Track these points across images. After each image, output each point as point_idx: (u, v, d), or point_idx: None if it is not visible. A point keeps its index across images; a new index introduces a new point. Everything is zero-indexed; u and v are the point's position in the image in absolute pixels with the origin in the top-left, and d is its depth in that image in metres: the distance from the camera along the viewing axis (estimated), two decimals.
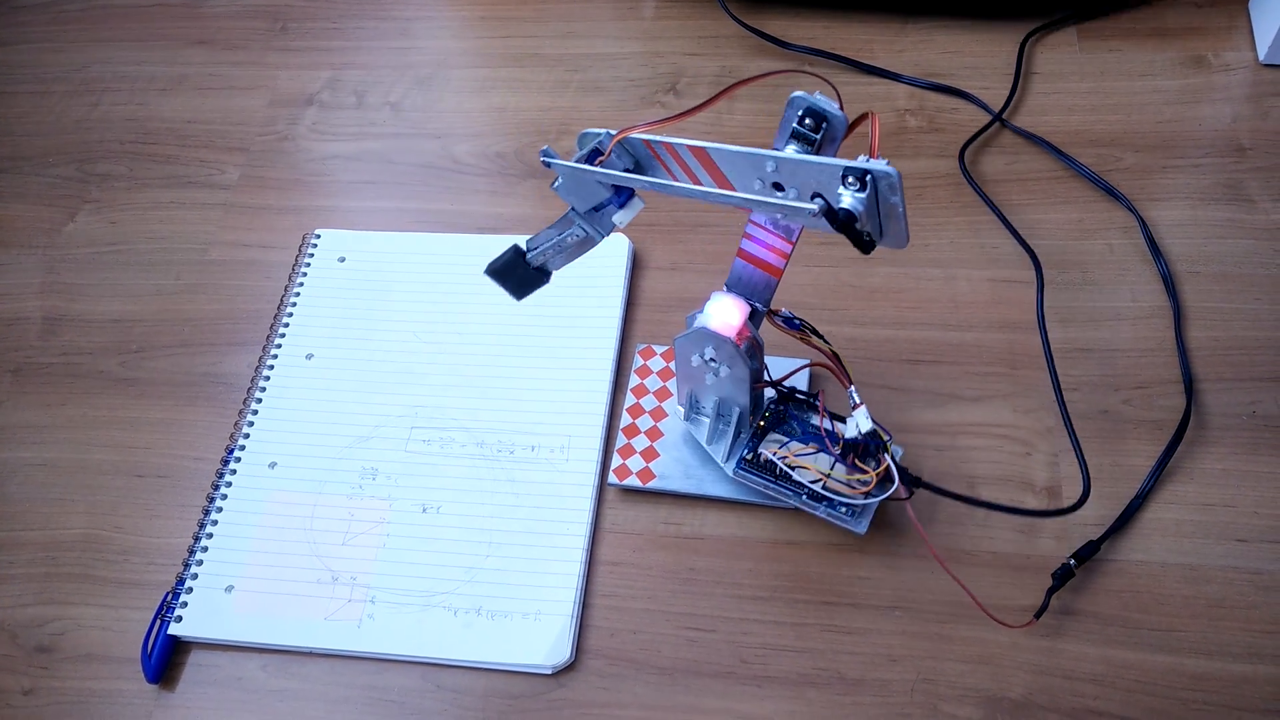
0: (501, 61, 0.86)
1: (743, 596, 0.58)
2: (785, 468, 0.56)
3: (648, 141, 0.46)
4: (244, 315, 0.72)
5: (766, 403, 0.59)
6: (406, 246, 0.74)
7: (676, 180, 0.47)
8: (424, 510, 0.62)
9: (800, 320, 0.55)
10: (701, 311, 0.54)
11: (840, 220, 0.40)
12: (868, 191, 0.41)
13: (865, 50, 0.82)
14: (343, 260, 0.74)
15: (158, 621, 0.59)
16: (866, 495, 0.54)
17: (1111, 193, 0.71)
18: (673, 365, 0.65)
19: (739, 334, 0.53)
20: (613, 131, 0.46)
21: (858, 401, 0.53)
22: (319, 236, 0.75)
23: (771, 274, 0.53)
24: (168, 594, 0.60)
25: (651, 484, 0.61)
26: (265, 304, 0.73)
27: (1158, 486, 0.59)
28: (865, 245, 0.42)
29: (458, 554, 0.60)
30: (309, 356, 0.69)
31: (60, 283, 0.76)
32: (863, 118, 0.44)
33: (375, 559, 0.60)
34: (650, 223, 0.73)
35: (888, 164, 0.40)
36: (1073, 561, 0.55)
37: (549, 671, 0.56)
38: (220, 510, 0.63)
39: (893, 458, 0.53)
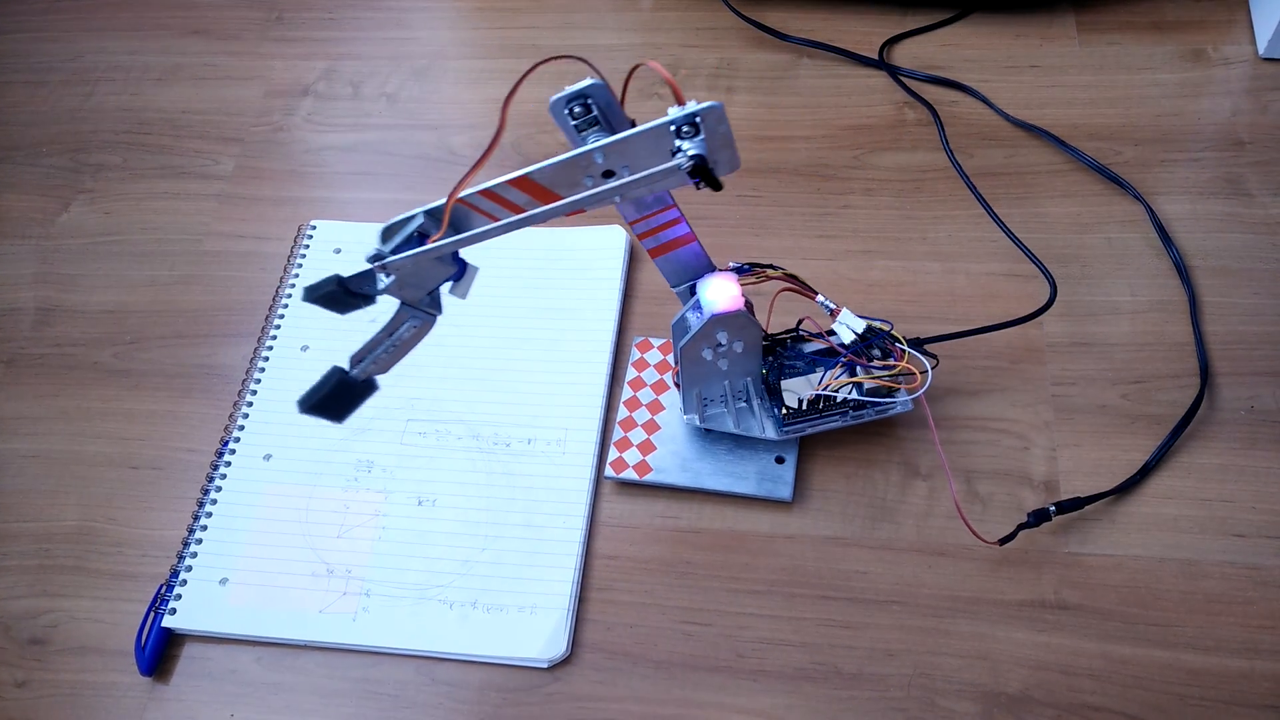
0: (499, 52, 0.86)
1: (739, 590, 0.57)
2: (827, 395, 0.56)
3: (463, 200, 0.44)
4: (239, 306, 0.72)
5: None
6: None
7: (503, 218, 0.45)
8: (420, 503, 0.61)
9: (749, 264, 0.55)
10: (694, 309, 0.54)
11: (699, 166, 0.41)
12: (702, 133, 0.41)
13: (864, 42, 0.82)
14: (339, 251, 0.73)
15: (151, 614, 0.58)
16: (909, 386, 0.55)
17: (1119, 183, 0.71)
18: (670, 358, 0.65)
19: (742, 301, 0.53)
20: (430, 206, 0.44)
21: (834, 307, 0.54)
22: (314, 228, 0.75)
23: (690, 243, 0.52)
24: (162, 586, 0.60)
25: (648, 477, 0.60)
26: (260, 295, 0.72)
27: (1158, 479, 0.59)
28: (717, 184, 0.42)
29: (453, 547, 0.60)
30: (304, 348, 0.69)
31: (54, 273, 0.76)
32: (634, 70, 0.44)
33: (370, 552, 0.60)
34: None
35: (702, 102, 0.41)
36: (1053, 509, 0.56)
37: (545, 665, 0.56)
38: (215, 502, 0.62)
39: (903, 340, 0.54)
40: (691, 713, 0.54)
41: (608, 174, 0.44)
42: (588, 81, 0.43)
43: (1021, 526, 0.55)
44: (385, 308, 0.47)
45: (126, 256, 0.76)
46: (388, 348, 0.47)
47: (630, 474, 0.61)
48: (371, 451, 0.64)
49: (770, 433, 0.58)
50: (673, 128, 0.41)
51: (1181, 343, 0.64)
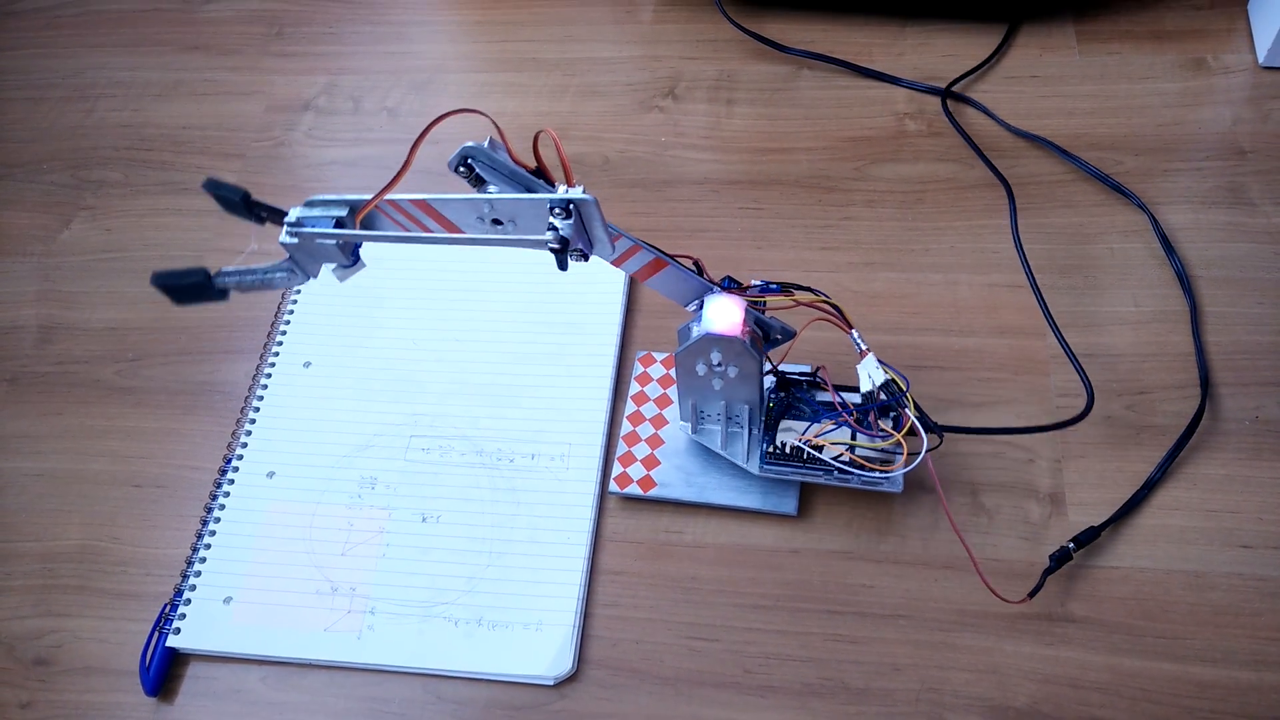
0: (499, 66, 0.86)
1: (745, 605, 0.57)
2: (811, 449, 0.56)
3: (377, 206, 0.48)
4: (241, 323, 0.72)
5: (768, 393, 0.59)
6: (404, 253, 0.73)
7: (410, 231, 0.49)
8: (424, 520, 0.61)
9: (777, 284, 0.54)
10: (697, 321, 0.53)
11: (560, 247, 0.45)
12: (574, 218, 0.45)
13: (864, 54, 0.82)
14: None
15: (156, 633, 0.58)
16: (900, 464, 0.54)
17: (1122, 192, 0.71)
18: (673, 373, 0.65)
19: (742, 329, 0.52)
20: (352, 198, 0.47)
21: (864, 348, 0.53)
22: None
23: (661, 267, 0.52)
24: (166, 605, 0.59)
25: (653, 492, 0.60)
26: (262, 312, 0.72)
27: (1164, 491, 0.58)
28: (564, 265, 0.46)
29: (458, 564, 0.59)
30: (307, 365, 0.69)
31: (55, 291, 0.76)
32: (537, 136, 0.47)
33: (375, 569, 0.60)
34: (649, 229, 0.72)
35: (583, 190, 0.45)
36: (1072, 545, 0.55)
37: (551, 682, 0.55)
38: (218, 520, 0.62)
39: (915, 406, 0.52)
40: None
41: (496, 222, 0.47)
42: (469, 143, 0.46)
43: (1047, 572, 0.54)
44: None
45: (128, 273, 0.76)
46: (256, 281, 0.49)
47: (634, 489, 0.60)
48: (375, 468, 0.63)
49: (752, 465, 0.58)
50: (549, 205, 0.45)
51: (1185, 353, 0.63)
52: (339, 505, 0.62)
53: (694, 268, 0.53)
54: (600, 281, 0.70)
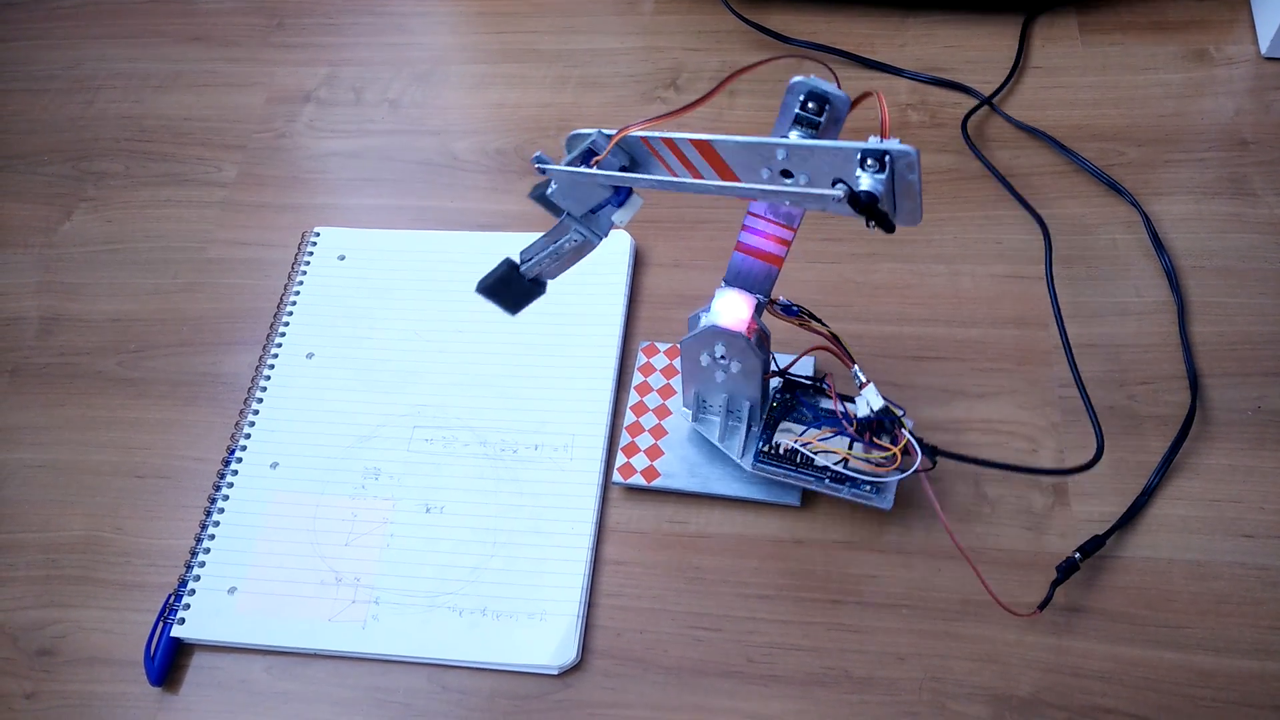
0: (500, 57, 0.86)
1: (749, 595, 0.57)
2: (807, 453, 0.56)
3: (645, 139, 0.45)
4: (243, 314, 0.72)
5: (773, 393, 0.59)
6: (406, 244, 0.73)
7: (676, 176, 0.46)
8: (427, 510, 0.61)
9: (798, 307, 0.55)
10: (707, 310, 0.53)
11: (863, 203, 0.40)
12: (886, 172, 0.40)
13: (866, 45, 0.82)
14: (342, 258, 0.73)
15: (160, 624, 0.58)
16: (893, 469, 0.54)
17: (1114, 187, 0.71)
18: (676, 363, 0.65)
19: (748, 327, 0.52)
20: (607, 130, 0.45)
21: (864, 380, 0.53)
22: (318, 234, 0.75)
23: (772, 264, 0.53)
24: (170, 596, 0.59)
25: (656, 482, 0.60)
26: (265, 303, 0.72)
27: (1164, 483, 0.59)
28: (889, 225, 0.41)
29: (462, 554, 0.60)
30: (310, 356, 0.68)
31: (57, 282, 0.76)
32: (864, 96, 0.44)
33: (379, 560, 0.60)
34: (652, 219, 0.72)
35: (902, 143, 0.40)
36: (1078, 555, 0.55)
37: (555, 672, 0.56)
38: (222, 511, 0.62)
39: (910, 430, 0.53)
40: (702, 718, 0.54)
41: (785, 174, 0.43)
42: (835, 87, 0.43)
43: (1055, 584, 0.54)
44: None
45: (130, 265, 0.76)
46: (551, 254, 0.48)
47: (638, 479, 0.60)
48: (378, 459, 0.63)
49: (746, 461, 0.58)
50: (859, 155, 0.40)
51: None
52: (343, 496, 0.62)
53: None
54: (603, 272, 0.70)
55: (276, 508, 0.62)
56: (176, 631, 0.58)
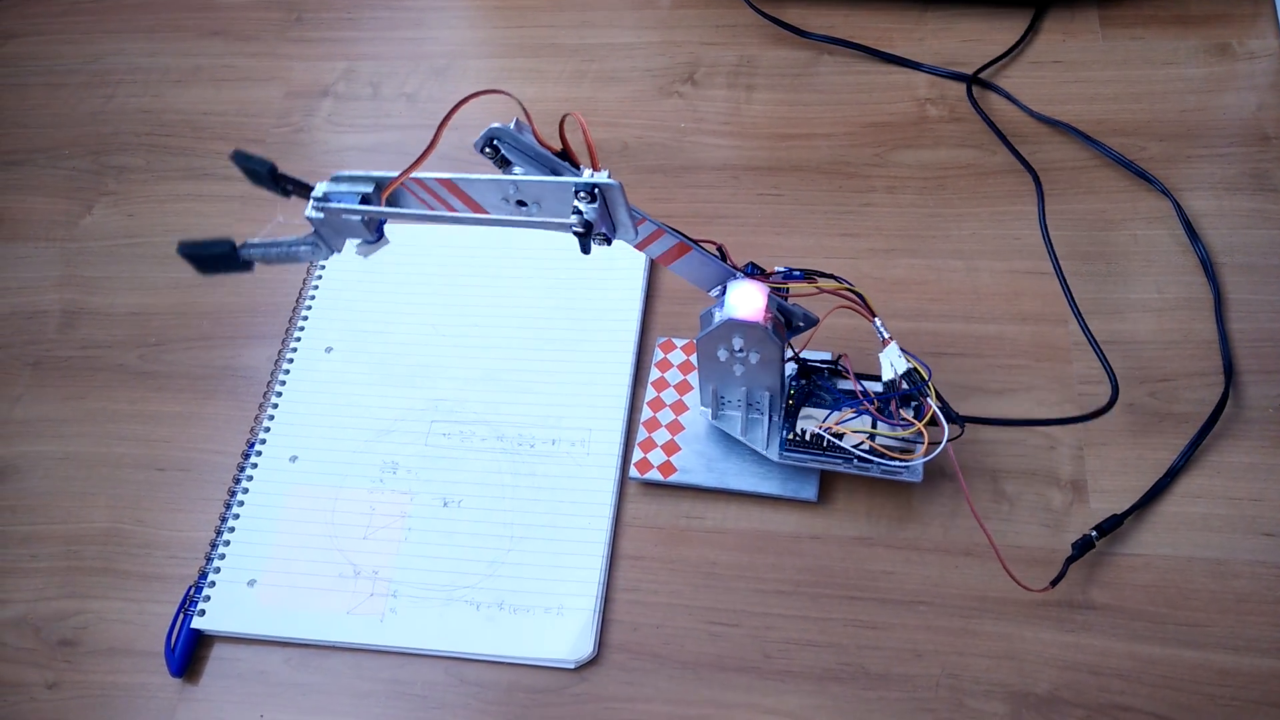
0: (517, 51, 0.86)
1: (765, 591, 0.57)
2: (831, 437, 0.55)
3: (404, 184, 0.48)
4: (262, 308, 0.72)
5: (789, 381, 0.59)
6: (424, 239, 0.74)
7: (435, 210, 0.49)
8: (445, 504, 0.62)
9: (800, 270, 0.54)
10: (719, 307, 0.53)
11: (582, 232, 0.45)
12: (598, 202, 0.45)
13: (884, 38, 0.81)
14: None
15: (181, 615, 0.59)
16: (922, 451, 0.54)
17: (1146, 178, 0.70)
18: (693, 358, 0.65)
19: (764, 315, 0.52)
20: (378, 174, 0.47)
21: (886, 336, 0.52)
22: None
23: (686, 252, 0.52)
24: (190, 588, 0.60)
25: (673, 478, 0.60)
26: (283, 297, 0.72)
27: (1184, 479, 0.58)
28: (587, 248, 0.47)
29: (479, 548, 0.60)
30: (328, 350, 0.69)
31: (78, 276, 0.76)
32: (564, 119, 0.46)
33: (397, 553, 0.60)
34: (668, 215, 0.72)
35: (608, 175, 0.45)
36: (1095, 534, 0.55)
37: (572, 666, 0.56)
38: (241, 504, 0.63)
39: (937, 395, 0.52)
40: (719, 713, 0.54)
41: (521, 203, 0.47)
42: (496, 124, 0.46)
43: (1069, 560, 0.54)
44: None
45: (149, 259, 0.76)
46: (281, 253, 0.49)
47: (655, 474, 0.61)
48: (396, 453, 0.64)
49: (772, 452, 0.58)
50: (574, 189, 0.45)
51: (1209, 340, 0.63)
52: (361, 489, 0.63)
53: (717, 254, 0.53)
54: (621, 268, 0.70)
55: (295, 501, 0.62)
56: (197, 623, 0.58)
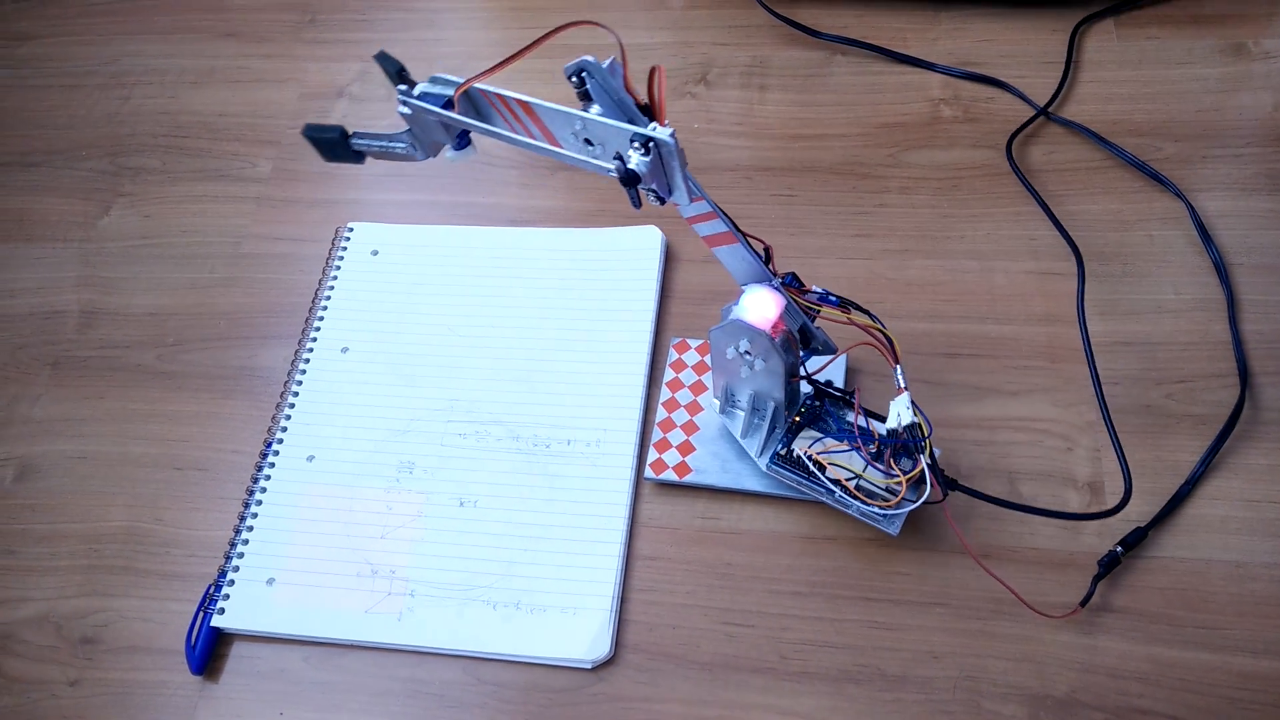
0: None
1: (781, 592, 0.58)
2: (814, 466, 0.55)
3: (484, 92, 0.48)
4: (278, 309, 0.73)
5: (803, 398, 0.59)
6: (439, 240, 0.74)
7: (515, 132, 0.49)
8: (461, 504, 0.62)
9: (837, 296, 0.53)
10: (737, 304, 0.53)
11: (625, 180, 0.45)
12: (651, 155, 0.44)
13: (898, 39, 0.81)
14: (376, 253, 0.74)
15: (201, 613, 0.59)
16: (898, 503, 0.53)
17: (1160, 180, 0.70)
18: (708, 359, 0.65)
19: (774, 327, 0.52)
20: (467, 81, 0.48)
21: (903, 385, 0.52)
22: (352, 230, 0.75)
23: (730, 241, 0.52)
24: (210, 586, 0.60)
25: (688, 478, 0.61)
26: (299, 297, 0.73)
27: (1204, 481, 0.58)
28: (637, 202, 0.47)
29: (495, 548, 0.60)
30: (344, 350, 0.69)
31: (96, 276, 0.77)
32: (653, 70, 0.45)
33: (413, 552, 0.60)
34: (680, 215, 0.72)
35: (671, 133, 0.44)
36: (1120, 549, 0.55)
37: (589, 666, 0.56)
38: (259, 503, 0.63)
39: (930, 457, 0.52)
40: (735, 714, 0.54)
41: (589, 143, 0.46)
42: (593, 59, 0.46)
43: (1097, 579, 0.54)
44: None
45: (167, 259, 0.77)
46: (382, 147, 0.51)
47: (670, 475, 0.61)
48: (412, 453, 0.64)
49: (762, 461, 0.58)
50: (630, 137, 0.45)
51: (1226, 342, 0.63)
52: (377, 489, 0.63)
53: (764, 253, 0.53)
54: (635, 268, 0.70)
55: (313, 500, 0.63)
56: (216, 621, 0.59)
